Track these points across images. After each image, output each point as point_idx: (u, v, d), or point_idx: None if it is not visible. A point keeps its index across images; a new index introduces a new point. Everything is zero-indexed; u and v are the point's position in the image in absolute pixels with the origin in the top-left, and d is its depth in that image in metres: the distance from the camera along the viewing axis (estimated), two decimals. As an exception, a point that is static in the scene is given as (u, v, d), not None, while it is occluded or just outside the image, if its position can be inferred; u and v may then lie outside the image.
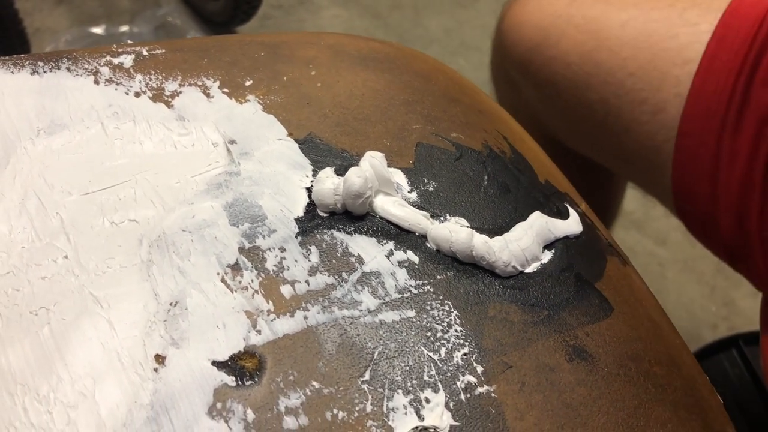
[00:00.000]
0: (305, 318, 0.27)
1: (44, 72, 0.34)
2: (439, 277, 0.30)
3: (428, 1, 1.65)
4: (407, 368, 0.27)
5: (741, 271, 0.53)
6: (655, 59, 0.53)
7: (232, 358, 0.26)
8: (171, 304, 0.27)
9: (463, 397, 0.26)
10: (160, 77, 0.35)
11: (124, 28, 1.45)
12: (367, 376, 0.26)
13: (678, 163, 0.52)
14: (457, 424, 0.26)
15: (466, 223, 0.31)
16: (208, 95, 0.34)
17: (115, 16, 1.48)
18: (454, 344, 0.28)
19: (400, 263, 0.30)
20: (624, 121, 0.55)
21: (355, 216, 0.31)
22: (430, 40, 1.56)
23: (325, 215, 0.31)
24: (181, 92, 0.34)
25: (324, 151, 0.33)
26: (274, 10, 1.58)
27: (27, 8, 1.38)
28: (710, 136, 0.50)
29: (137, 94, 0.33)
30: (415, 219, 0.31)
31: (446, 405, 0.26)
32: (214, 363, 0.25)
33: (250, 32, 1.45)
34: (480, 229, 0.31)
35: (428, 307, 0.28)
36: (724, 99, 0.49)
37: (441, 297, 0.29)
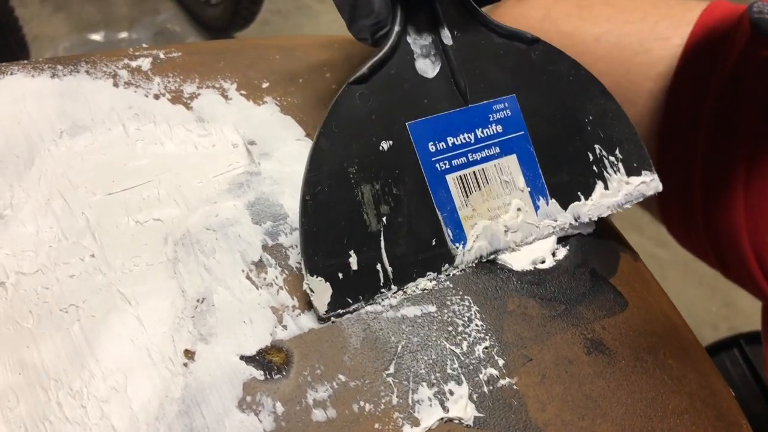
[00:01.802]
0: (329, 313, 0.28)
1: (64, 75, 0.34)
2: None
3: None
4: (431, 361, 0.27)
5: (735, 281, 0.53)
6: (628, 74, 0.52)
7: (260, 352, 0.26)
8: (198, 301, 0.27)
9: (486, 389, 0.27)
10: (178, 80, 0.35)
11: (123, 35, 1.46)
12: (391, 369, 0.27)
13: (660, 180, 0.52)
14: (481, 415, 0.26)
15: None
16: (226, 97, 0.35)
17: (113, 23, 1.49)
18: (475, 338, 0.28)
19: (420, 260, 0.30)
20: None
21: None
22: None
23: (345, 213, 0.31)
24: (199, 94, 0.35)
25: (342, 151, 0.33)
26: (272, 16, 1.59)
27: (26, 15, 1.38)
28: (686, 151, 0.50)
29: (156, 96, 0.34)
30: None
31: (470, 397, 0.27)
32: (242, 357, 0.26)
33: (249, 37, 1.46)
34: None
35: (449, 302, 0.29)
36: (696, 115, 0.49)
37: (461, 292, 0.29)
